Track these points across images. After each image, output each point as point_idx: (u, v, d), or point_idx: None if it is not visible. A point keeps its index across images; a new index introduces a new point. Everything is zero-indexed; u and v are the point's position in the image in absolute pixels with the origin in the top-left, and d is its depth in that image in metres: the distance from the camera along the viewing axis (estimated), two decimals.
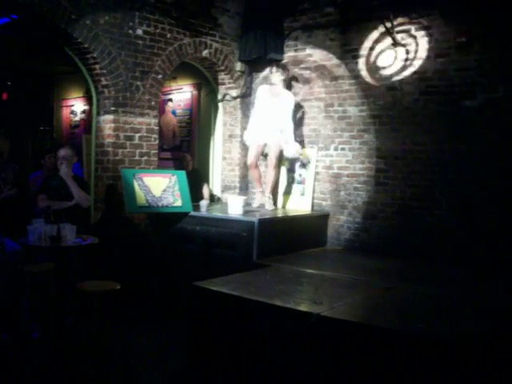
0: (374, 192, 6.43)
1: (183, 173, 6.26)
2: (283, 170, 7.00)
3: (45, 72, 10.81)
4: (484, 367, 2.96)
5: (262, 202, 6.60)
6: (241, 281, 4.53)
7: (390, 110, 6.29)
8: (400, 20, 6.17)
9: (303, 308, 3.72)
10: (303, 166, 6.96)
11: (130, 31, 6.14)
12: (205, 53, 7.01)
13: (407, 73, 6.16)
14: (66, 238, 4.53)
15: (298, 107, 6.90)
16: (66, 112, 11.13)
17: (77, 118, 10.81)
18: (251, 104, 7.52)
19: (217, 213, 6.11)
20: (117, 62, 6.03)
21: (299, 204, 6.92)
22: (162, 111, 8.51)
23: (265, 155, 6.79)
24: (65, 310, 4.78)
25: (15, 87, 10.56)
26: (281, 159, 6.76)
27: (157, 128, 6.55)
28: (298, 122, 6.90)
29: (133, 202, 5.71)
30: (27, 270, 4.95)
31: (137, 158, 6.30)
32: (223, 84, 7.58)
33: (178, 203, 5.96)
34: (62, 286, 4.69)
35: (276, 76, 6.59)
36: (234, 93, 7.52)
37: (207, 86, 8.08)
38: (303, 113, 7.02)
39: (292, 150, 6.51)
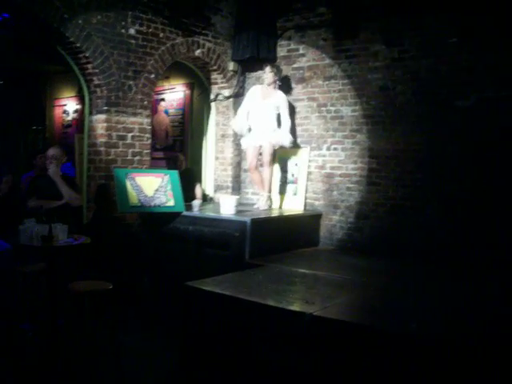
0: (366, 192, 6.44)
1: (176, 172, 6.25)
2: (276, 169, 6.99)
3: (37, 71, 10.77)
4: (474, 366, 2.97)
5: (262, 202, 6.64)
6: (233, 281, 4.53)
7: (383, 109, 6.31)
8: (392, 20, 6.18)
9: (296, 308, 3.73)
10: (295, 164, 6.98)
11: (123, 30, 6.12)
12: (197, 52, 7.01)
13: (400, 73, 6.17)
14: (57, 238, 4.51)
15: (290, 107, 6.89)
16: (58, 111, 11.09)
17: (69, 118, 10.78)
18: None
19: (209, 213, 6.11)
20: (109, 62, 6.02)
21: (292, 204, 6.93)
22: (154, 111, 8.49)
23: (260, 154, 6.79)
24: (57, 310, 4.76)
25: (7, 86, 10.51)
26: (274, 157, 6.77)
27: (149, 128, 6.54)
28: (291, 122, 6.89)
29: (125, 201, 5.69)
30: (19, 270, 4.94)
31: (129, 157, 6.28)
32: (216, 84, 7.57)
33: (171, 203, 5.95)
34: (54, 286, 4.67)
35: (269, 76, 6.59)
36: (227, 92, 7.52)
37: (200, 86, 8.07)
38: (296, 113, 7.02)
39: (285, 139, 6.51)
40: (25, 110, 10.91)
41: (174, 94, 8.79)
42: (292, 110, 6.93)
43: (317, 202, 6.87)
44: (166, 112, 8.93)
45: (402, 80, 6.14)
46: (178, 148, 8.68)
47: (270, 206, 6.64)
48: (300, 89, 7.05)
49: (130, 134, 6.28)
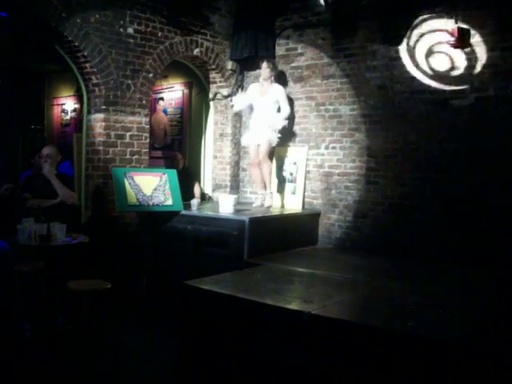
0: (364, 191, 6.44)
1: (174, 171, 6.25)
2: (274, 168, 6.99)
3: (35, 70, 10.75)
4: (471, 366, 2.97)
5: (264, 200, 6.65)
6: (232, 280, 4.53)
7: (381, 109, 6.31)
8: (390, 19, 6.19)
9: (294, 306, 3.73)
10: (294, 163, 6.98)
11: (121, 30, 6.12)
12: (196, 51, 7.00)
13: (398, 72, 6.17)
14: (55, 237, 4.52)
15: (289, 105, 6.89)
16: (56, 110, 11.08)
17: (68, 117, 10.77)
18: None
19: (208, 212, 6.11)
20: (107, 61, 6.02)
21: (290, 203, 6.93)
22: (153, 110, 8.49)
23: None
24: (55, 309, 4.76)
25: (5, 86, 10.49)
26: (272, 155, 6.77)
27: (148, 127, 6.53)
28: (289, 121, 6.88)
29: (123, 200, 5.69)
30: (17, 270, 4.94)
31: (128, 156, 6.28)
32: (214, 83, 7.57)
33: (169, 202, 5.95)
34: (52, 286, 4.67)
35: (266, 71, 6.60)
36: (225, 91, 7.51)
37: (198, 85, 8.06)
38: (294, 111, 7.02)
39: (278, 123, 6.52)
40: (23, 109, 10.88)
41: (173, 93, 8.78)
42: (290, 108, 6.93)
43: (315, 201, 6.87)
44: (165, 111, 8.91)
45: (401, 79, 6.14)
46: (177, 147, 8.67)
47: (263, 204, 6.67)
48: (298, 88, 7.04)
49: (128, 133, 6.27)
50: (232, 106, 6.88)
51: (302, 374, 3.51)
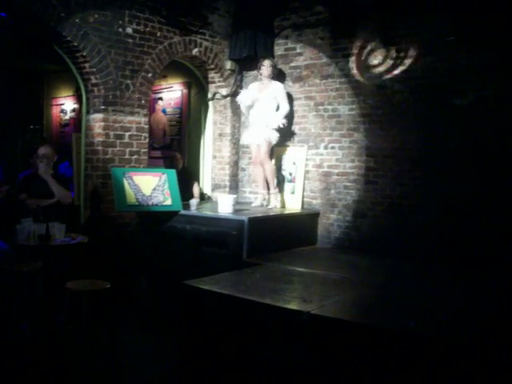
0: (363, 190, 6.44)
1: (173, 171, 6.25)
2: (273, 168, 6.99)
3: (34, 70, 10.75)
4: (471, 365, 2.97)
5: (264, 200, 6.65)
6: (231, 279, 4.53)
7: (380, 108, 6.31)
8: (389, 18, 6.19)
9: (293, 306, 3.73)
10: (293, 163, 6.99)
11: (120, 29, 6.12)
12: (195, 51, 7.00)
13: (397, 71, 6.17)
14: (54, 237, 4.52)
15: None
16: (55, 111, 11.08)
17: (67, 117, 10.77)
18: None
19: (207, 211, 6.11)
20: (106, 61, 6.01)
21: (289, 202, 6.93)
22: (152, 110, 8.49)
23: None
24: (54, 309, 4.76)
25: (4, 86, 10.49)
26: (272, 154, 6.78)
27: (147, 127, 6.53)
28: (288, 121, 6.88)
29: (123, 200, 5.69)
30: (16, 270, 4.94)
31: (127, 156, 6.28)
32: (213, 83, 7.57)
33: (168, 202, 5.94)
34: (52, 286, 4.67)
35: (269, 70, 6.62)
36: (224, 91, 7.51)
37: (197, 85, 8.06)
38: (293, 111, 7.02)
39: (275, 121, 6.51)
40: (22, 109, 10.89)
41: (172, 93, 8.79)
42: (290, 107, 6.93)
43: (314, 201, 6.88)
44: (164, 111, 8.91)
45: (400, 79, 6.15)
46: (176, 147, 8.67)
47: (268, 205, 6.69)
48: (297, 88, 7.04)
49: (127, 133, 6.27)
50: (238, 104, 6.94)
51: (301, 374, 3.52)
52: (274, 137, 6.52)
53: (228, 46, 7.35)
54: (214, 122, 7.70)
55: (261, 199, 6.70)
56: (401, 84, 6.14)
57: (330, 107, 6.75)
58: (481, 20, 5.59)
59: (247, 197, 7.50)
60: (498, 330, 3.47)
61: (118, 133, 6.18)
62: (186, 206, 6.09)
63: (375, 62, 6.34)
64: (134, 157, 6.35)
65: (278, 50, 7.20)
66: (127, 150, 6.29)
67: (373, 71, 6.37)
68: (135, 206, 5.78)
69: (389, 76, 6.23)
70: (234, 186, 7.63)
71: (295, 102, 7.03)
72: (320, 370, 3.44)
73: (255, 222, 5.63)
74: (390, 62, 6.22)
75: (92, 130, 6.14)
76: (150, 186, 5.91)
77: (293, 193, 6.95)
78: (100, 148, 6.08)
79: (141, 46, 6.33)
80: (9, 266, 4.99)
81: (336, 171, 6.68)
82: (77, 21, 5.70)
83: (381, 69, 6.29)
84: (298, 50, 7.04)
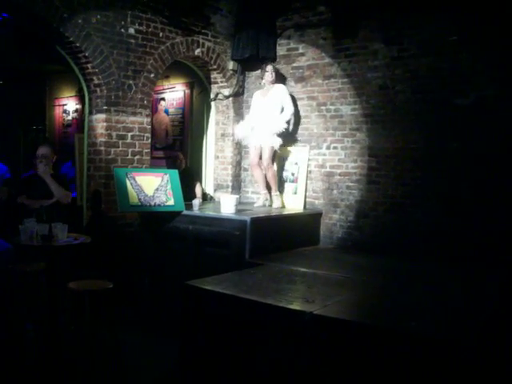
0: (366, 190, 6.44)
1: (176, 172, 6.25)
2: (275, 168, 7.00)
3: (37, 71, 10.78)
4: (472, 365, 2.97)
5: (266, 201, 6.66)
6: (233, 280, 4.53)
7: (382, 108, 6.31)
8: (391, 18, 6.19)
9: (296, 306, 3.72)
10: (295, 163, 6.99)
11: (122, 30, 6.13)
12: (197, 52, 7.01)
13: (399, 71, 6.17)
14: (57, 237, 4.52)
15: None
16: (58, 111, 11.12)
17: (69, 117, 10.80)
18: (244, 103, 7.55)
19: (209, 212, 6.11)
20: (109, 61, 6.02)
21: (292, 202, 6.93)
22: (154, 110, 8.51)
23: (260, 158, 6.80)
24: (57, 309, 4.77)
25: (7, 86, 10.52)
26: (275, 157, 6.79)
27: (149, 127, 6.55)
28: (292, 122, 6.88)
29: (125, 201, 5.69)
30: (19, 270, 4.95)
31: (129, 156, 6.29)
32: (216, 83, 7.58)
33: (171, 202, 5.95)
34: (54, 286, 4.68)
35: (273, 75, 6.64)
36: (227, 92, 7.52)
37: (200, 85, 8.08)
38: (296, 111, 7.03)
39: (278, 125, 6.51)
40: (25, 110, 10.92)
41: (174, 94, 8.80)
42: (293, 110, 6.94)
43: (317, 201, 6.88)
44: (166, 111, 8.93)
45: (402, 79, 6.14)
46: (178, 147, 8.69)
47: (271, 205, 6.70)
48: (299, 88, 7.05)
49: (129, 134, 6.28)
50: (234, 135, 7.00)
51: (303, 374, 3.52)
52: (278, 142, 6.52)
53: (230, 47, 7.36)
54: (217, 122, 7.70)
55: (263, 199, 6.71)
56: (403, 84, 6.14)
57: (332, 107, 6.75)
58: (483, 20, 5.59)
59: (249, 197, 7.50)
60: (499, 330, 3.47)
61: (121, 133, 6.19)
62: (189, 207, 6.09)
63: (377, 62, 6.34)
64: (137, 157, 6.36)
65: (281, 51, 7.20)
66: (130, 150, 6.30)
67: (375, 71, 6.36)
68: (138, 207, 5.79)
69: (391, 76, 6.22)
70: (237, 186, 7.64)
71: (298, 102, 7.03)
72: (323, 371, 3.44)
73: (258, 222, 5.62)
74: (392, 62, 6.21)
75: (94, 130, 6.15)
76: (153, 186, 5.91)
77: (295, 193, 6.95)
78: (102, 148, 6.09)
79: (143, 46, 6.34)
80: (12, 266, 5.00)
81: (338, 171, 6.68)
82: (79, 21, 5.71)
83: (383, 69, 6.29)
84: (301, 50, 7.04)
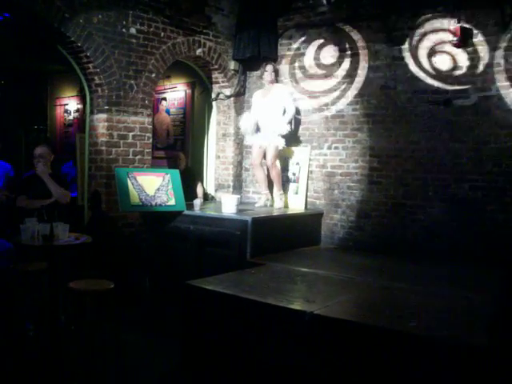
0: (367, 191, 6.44)
1: (177, 171, 6.25)
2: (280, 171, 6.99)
3: (38, 71, 10.78)
4: (473, 365, 2.97)
5: (267, 201, 6.67)
6: (234, 279, 4.53)
7: (384, 108, 6.31)
8: (393, 18, 6.19)
9: (296, 306, 3.73)
10: (296, 164, 6.99)
11: (124, 30, 6.13)
12: (198, 51, 7.01)
13: (401, 72, 6.17)
14: (58, 237, 4.52)
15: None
16: (59, 111, 11.11)
17: (70, 117, 10.80)
18: (245, 103, 7.55)
19: (210, 212, 6.11)
20: (110, 61, 6.02)
21: (293, 203, 6.93)
22: (155, 110, 8.50)
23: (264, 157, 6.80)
24: (58, 309, 4.77)
25: (8, 86, 10.52)
26: (278, 157, 6.80)
27: (150, 127, 6.54)
28: (294, 122, 6.88)
29: (126, 200, 5.69)
30: (20, 269, 4.94)
31: (130, 156, 6.29)
32: (217, 83, 7.58)
33: (172, 202, 5.95)
34: (55, 285, 4.68)
35: (273, 75, 6.64)
36: (228, 92, 7.52)
37: (201, 85, 8.07)
38: (297, 111, 7.03)
39: (282, 128, 6.51)
40: (26, 110, 10.92)
41: (175, 93, 8.80)
42: (295, 108, 6.93)
43: (318, 201, 6.87)
44: (167, 111, 8.93)
45: (403, 79, 6.14)
46: (179, 147, 8.69)
47: (272, 205, 6.70)
48: (301, 88, 7.04)
49: (131, 134, 6.28)
50: (239, 126, 6.98)
51: (304, 374, 3.52)
52: (282, 142, 6.53)
53: (232, 47, 7.36)
54: (218, 122, 7.70)
55: (264, 199, 6.71)
56: (404, 84, 6.13)
57: (333, 107, 6.75)
58: (484, 19, 5.59)
59: (251, 197, 7.50)
60: (499, 331, 3.47)
61: (122, 133, 6.19)
62: (190, 206, 6.09)
63: (379, 62, 6.33)
64: (138, 157, 6.36)
65: (282, 50, 7.21)
66: (131, 150, 6.30)
67: (376, 71, 6.36)
68: (139, 206, 5.79)
69: (392, 76, 6.22)
70: (238, 186, 7.64)
71: (299, 102, 7.03)
72: (323, 370, 3.44)
73: (259, 222, 5.62)
74: (393, 62, 6.21)
75: (96, 130, 6.15)
76: (154, 186, 5.91)
77: (296, 193, 6.95)
78: (104, 148, 6.08)
79: (144, 46, 6.34)
80: (13, 266, 4.99)
81: (340, 171, 6.68)
82: (81, 21, 5.71)
83: (385, 69, 6.29)
84: (302, 50, 7.04)
